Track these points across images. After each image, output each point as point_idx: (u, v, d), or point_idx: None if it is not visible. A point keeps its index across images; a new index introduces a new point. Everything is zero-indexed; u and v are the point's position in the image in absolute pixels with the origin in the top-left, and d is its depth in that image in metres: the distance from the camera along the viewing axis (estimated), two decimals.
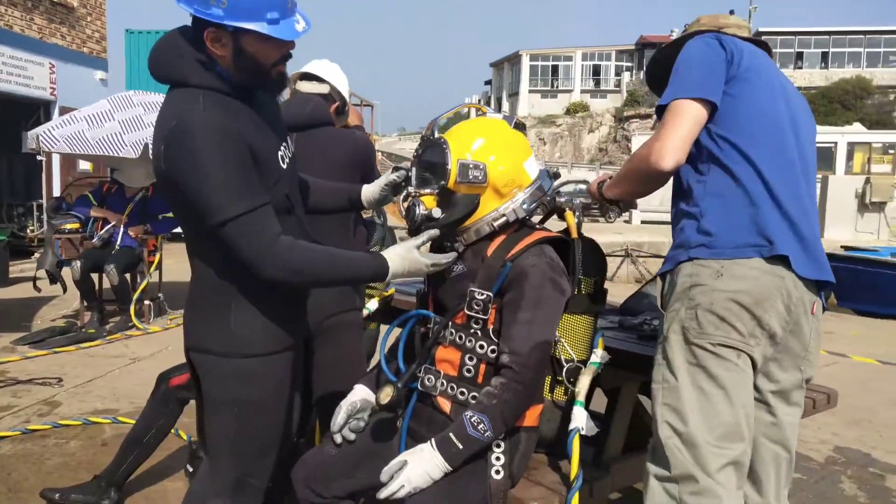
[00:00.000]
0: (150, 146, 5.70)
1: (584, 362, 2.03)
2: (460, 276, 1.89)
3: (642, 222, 18.96)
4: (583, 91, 48.27)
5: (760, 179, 1.77)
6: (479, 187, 1.83)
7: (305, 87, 2.65)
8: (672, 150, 1.78)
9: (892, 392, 4.86)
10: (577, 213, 2.13)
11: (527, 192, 1.89)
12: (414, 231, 1.88)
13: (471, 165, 1.81)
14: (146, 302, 6.39)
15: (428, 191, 1.87)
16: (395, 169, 2.02)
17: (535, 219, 2.06)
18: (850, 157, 33.67)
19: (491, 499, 1.77)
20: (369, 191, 2.06)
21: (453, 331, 1.87)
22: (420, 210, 1.86)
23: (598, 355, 2.02)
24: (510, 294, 1.79)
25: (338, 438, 1.91)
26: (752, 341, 1.73)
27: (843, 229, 14.42)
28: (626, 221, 19.21)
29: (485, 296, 1.80)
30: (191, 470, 3.08)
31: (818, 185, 18.58)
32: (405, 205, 1.95)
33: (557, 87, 48.73)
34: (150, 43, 16.89)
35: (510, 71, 50.58)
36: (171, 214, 6.47)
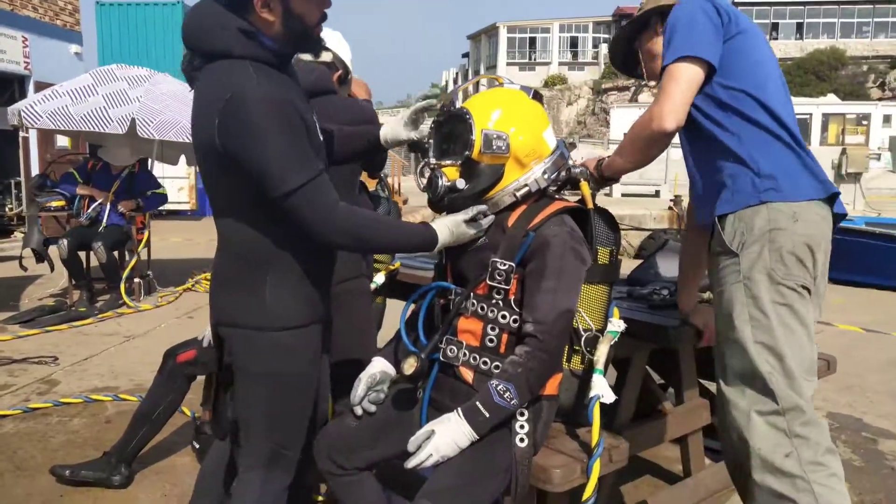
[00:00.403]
0: (141, 122, 5.66)
1: (601, 331, 2.07)
2: (481, 247, 1.90)
3: (623, 195, 19.10)
4: (560, 63, 48.09)
5: (781, 125, 1.92)
6: (502, 157, 1.85)
7: (308, 56, 2.62)
8: (672, 111, 1.89)
9: (878, 358, 5.00)
10: (592, 184, 2.16)
11: (547, 161, 1.91)
12: (437, 201, 1.89)
13: (494, 136, 1.83)
14: (135, 280, 6.33)
15: (450, 162, 1.88)
16: (418, 112, 1.96)
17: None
18: (824, 128, 34.03)
19: (516, 466, 1.80)
20: (389, 130, 2.02)
21: (475, 301, 1.88)
22: (443, 181, 1.86)
23: (615, 324, 2.06)
24: (533, 264, 1.81)
25: (358, 410, 1.92)
26: (815, 282, 1.89)
27: None
28: (606, 195, 19.33)
29: (507, 266, 1.82)
30: (197, 446, 3.09)
31: None
32: (425, 178, 1.95)
33: (535, 59, 48.50)
34: (121, 16, 16.56)
35: (487, 44, 50.19)
36: (161, 190, 6.39)
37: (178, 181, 13.33)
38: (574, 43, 48.90)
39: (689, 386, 2.62)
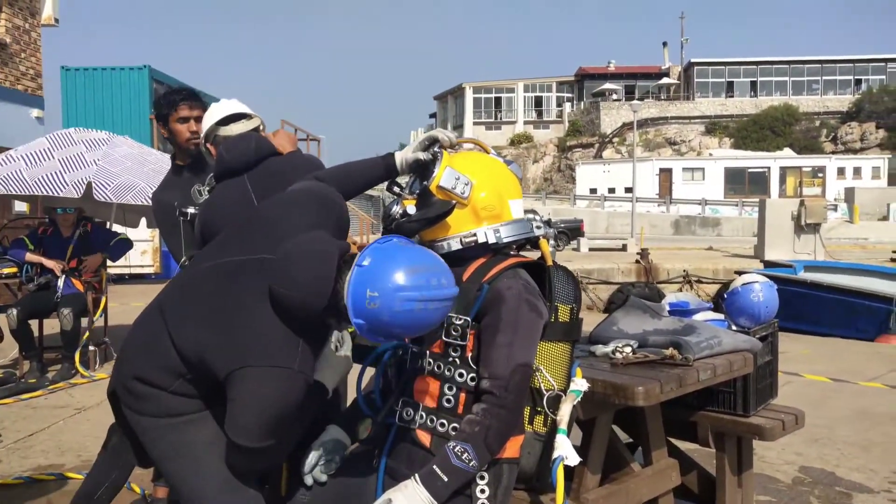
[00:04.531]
0: (98, 185, 5.55)
1: (564, 391, 2.00)
2: None
3: (590, 249, 19.33)
4: (526, 122, 49.26)
5: None
6: (458, 198, 1.84)
7: (237, 128, 2.62)
8: None
9: (847, 408, 4.97)
10: (552, 242, 2.14)
11: (503, 224, 1.90)
12: (387, 226, 1.89)
13: (456, 176, 1.84)
14: (91, 348, 6.10)
15: (411, 197, 1.90)
16: (428, 141, 1.98)
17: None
18: (782, 180, 35.03)
19: None
20: (403, 156, 2.00)
21: (431, 360, 1.84)
22: (397, 208, 1.88)
23: (578, 383, 1.99)
24: (487, 318, 1.79)
25: (308, 480, 1.84)
26: None
27: (781, 250, 14.91)
28: (574, 249, 19.53)
29: (462, 321, 1.79)
30: None
31: (756, 209, 19.28)
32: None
33: (501, 118, 49.63)
34: (87, 80, 16.60)
35: (454, 103, 51.26)
36: (122, 236, 6.20)
37: (140, 244, 13.12)
38: (539, 102, 50.24)
39: (658, 446, 2.55)
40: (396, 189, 1.97)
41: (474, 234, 1.87)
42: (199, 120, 2.99)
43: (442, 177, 1.83)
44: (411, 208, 1.85)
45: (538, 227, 2.08)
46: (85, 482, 2.71)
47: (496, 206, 1.89)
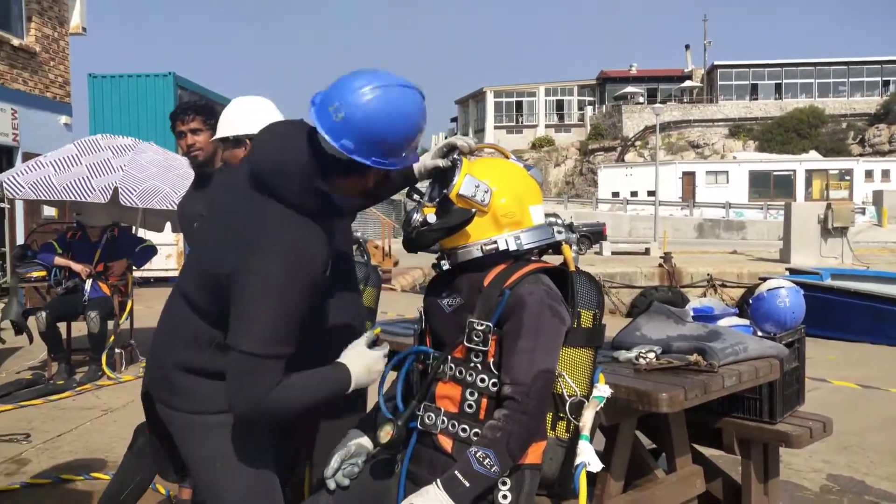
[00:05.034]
0: (124, 190, 5.64)
1: (587, 397, 1.99)
2: (458, 308, 1.88)
3: (612, 253, 19.20)
4: (547, 126, 49.10)
5: None
6: (478, 206, 1.83)
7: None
8: None
9: (876, 415, 4.89)
10: (574, 247, 2.12)
11: (524, 231, 1.89)
12: (408, 234, 1.88)
13: (476, 183, 1.83)
14: (117, 350, 6.19)
15: (431, 204, 1.88)
16: (447, 148, 1.98)
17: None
18: (808, 183, 34.48)
19: None
20: (422, 163, 1.99)
21: (453, 365, 1.84)
22: (418, 216, 1.86)
23: (601, 389, 1.98)
24: (509, 323, 1.78)
25: (331, 484, 1.85)
26: None
27: (807, 255, 14.73)
28: (596, 253, 19.42)
29: (484, 326, 1.78)
30: None
31: (781, 212, 19.03)
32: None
33: (522, 122, 49.51)
34: (113, 87, 16.85)
35: (475, 108, 51.24)
36: (147, 243, 6.31)
37: (165, 248, 13.27)
38: (560, 106, 50.05)
39: (682, 452, 2.52)
40: (416, 196, 1.96)
41: (495, 242, 1.86)
42: (194, 132, 3.07)
43: (462, 185, 1.83)
44: (431, 216, 1.85)
45: (559, 233, 2.08)
46: (111, 483, 2.75)
47: (516, 213, 1.88)
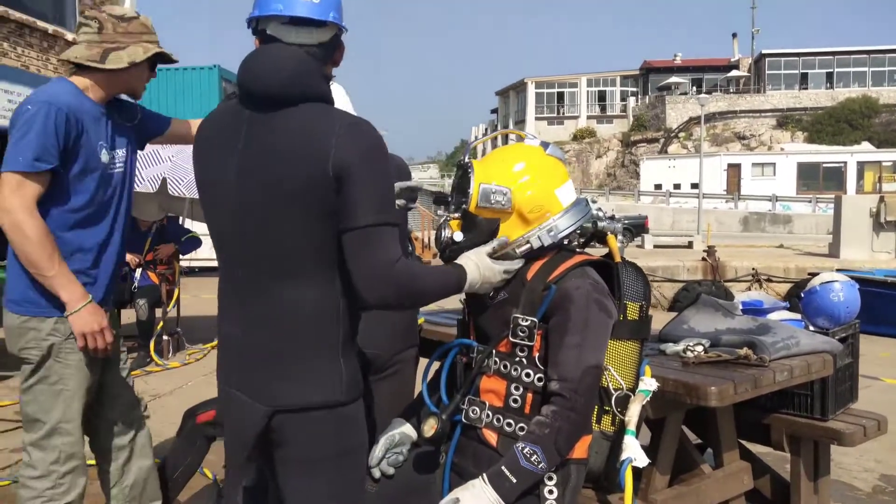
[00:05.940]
0: (172, 181, 5.77)
1: (633, 391, 1.96)
2: (502, 302, 1.85)
3: (655, 246, 18.92)
4: (589, 117, 48.55)
5: None
6: (502, 212, 1.80)
7: None
8: None
9: None
10: (620, 238, 2.09)
11: (556, 218, 1.84)
12: (441, 253, 1.87)
13: (492, 190, 1.79)
14: (164, 337, 6.34)
15: (456, 215, 1.86)
16: (407, 190, 2.04)
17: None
18: (860, 176, 33.36)
19: None
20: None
21: (497, 359, 1.83)
22: (446, 233, 1.85)
23: (648, 383, 1.95)
24: (556, 318, 1.75)
25: (376, 473, 1.87)
26: None
27: (858, 249, 14.26)
28: (638, 246, 19.16)
29: (529, 322, 1.76)
30: None
31: (831, 205, 18.51)
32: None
33: (563, 113, 49.04)
34: (159, 80, 17.12)
35: (516, 99, 50.93)
36: (192, 234, 6.47)
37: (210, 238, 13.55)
38: (602, 97, 49.43)
39: (729, 448, 2.48)
40: (442, 210, 1.96)
41: (528, 242, 1.81)
42: None
43: (477, 198, 1.80)
44: (458, 235, 1.82)
45: (597, 210, 2.05)
46: (161, 464, 2.81)
47: (543, 204, 1.82)
